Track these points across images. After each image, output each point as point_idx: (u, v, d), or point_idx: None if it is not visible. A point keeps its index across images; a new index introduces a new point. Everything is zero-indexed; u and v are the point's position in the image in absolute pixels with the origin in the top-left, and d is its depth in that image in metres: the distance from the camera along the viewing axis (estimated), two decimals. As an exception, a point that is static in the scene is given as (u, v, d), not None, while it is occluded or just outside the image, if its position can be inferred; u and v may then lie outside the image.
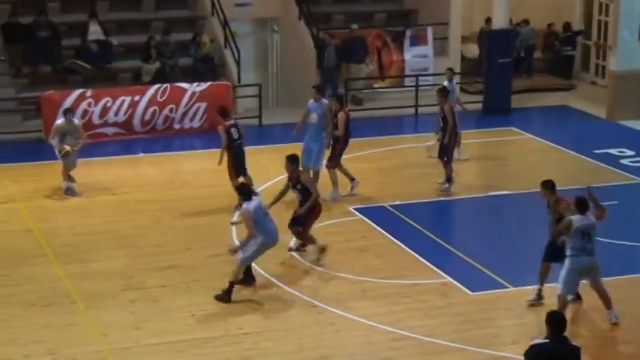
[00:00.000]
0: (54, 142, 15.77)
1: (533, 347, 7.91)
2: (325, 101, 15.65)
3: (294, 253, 13.29)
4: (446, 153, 15.89)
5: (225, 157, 14.69)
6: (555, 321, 7.93)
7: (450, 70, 18.51)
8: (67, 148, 15.63)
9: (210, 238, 13.99)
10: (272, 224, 12.00)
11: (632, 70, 20.77)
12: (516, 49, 23.57)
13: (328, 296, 11.98)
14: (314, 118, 15.43)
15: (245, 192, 12.08)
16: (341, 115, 15.44)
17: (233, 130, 14.67)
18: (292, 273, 12.76)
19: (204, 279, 12.56)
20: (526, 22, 24.11)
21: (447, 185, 15.89)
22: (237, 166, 14.72)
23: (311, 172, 15.14)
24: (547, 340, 7.89)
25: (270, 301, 11.92)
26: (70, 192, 15.77)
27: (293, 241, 13.26)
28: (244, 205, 11.85)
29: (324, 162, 15.61)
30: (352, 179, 15.77)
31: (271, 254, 13.17)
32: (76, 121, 16.33)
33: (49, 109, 18.94)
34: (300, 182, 12.95)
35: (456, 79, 22.75)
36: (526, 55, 24.12)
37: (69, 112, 16.26)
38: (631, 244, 13.70)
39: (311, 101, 15.55)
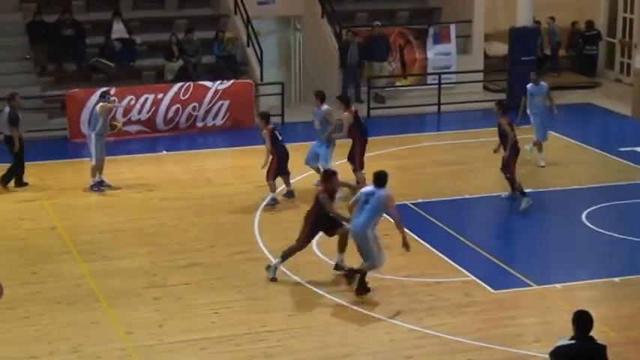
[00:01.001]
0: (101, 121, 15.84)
1: (558, 348, 7.87)
2: (325, 107, 15.64)
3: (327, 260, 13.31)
4: (507, 169, 15.12)
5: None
6: (582, 320, 7.88)
7: (534, 72, 17.83)
8: (119, 124, 16.23)
9: (233, 235, 14.04)
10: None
11: (657, 67, 20.63)
12: (542, 47, 23.53)
13: (351, 294, 11.98)
14: (317, 124, 15.65)
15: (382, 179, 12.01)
16: (345, 116, 15.44)
17: (277, 132, 15.09)
18: (315, 271, 12.77)
19: (227, 276, 12.61)
20: (552, 19, 24.00)
21: (523, 203, 14.96)
22: (280, 166, 15.11)
23: (321, 168, 15.24)
24: (573, 341, 7.85)
25: (293, 299, 11.94)
26: (96, 188, 15.86)
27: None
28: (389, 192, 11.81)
29: (351, 166, 15.64)
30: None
31: (296, 255, 13.21)
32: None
33: (74, 107, 19.09)
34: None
35: (479, 76, 22.80)
36: (552, 53, 24.00)
37: (107, 94, 16.56)
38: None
39: (315, 108, 15.69)
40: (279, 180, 15.23)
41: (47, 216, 14.95)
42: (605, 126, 20.65)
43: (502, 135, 15.15)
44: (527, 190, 15.41)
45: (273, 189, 15.17)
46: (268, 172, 15.10)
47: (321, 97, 15.69)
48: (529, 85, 17.20)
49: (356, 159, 15.64)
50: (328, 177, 12.48)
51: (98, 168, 16.00)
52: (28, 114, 19.51)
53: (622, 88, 22.76)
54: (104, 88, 17.86)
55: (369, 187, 12.08)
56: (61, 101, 19.47)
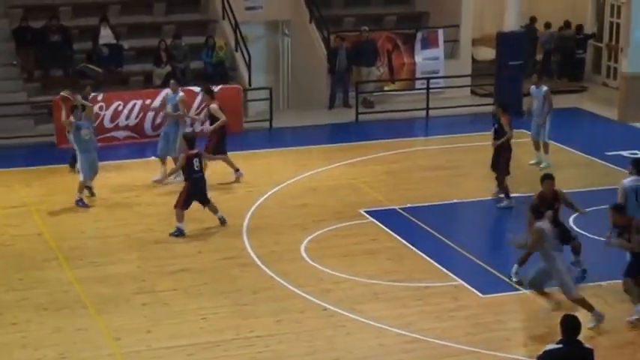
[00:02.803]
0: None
1: (546, 352, 7.88)
2: (181, 93, 16.71)
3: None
4: (497, 168, 15.33)
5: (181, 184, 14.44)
6: (569, 324, 7.89)
7: (537, 74, 17.99)
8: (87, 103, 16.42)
9: (221, 241, 14.01)
10: None
11: (644, 72, 20.71)
12: (535, 52, 23.65)
13: (339, 299, 11.97)
14: (169, 107, 16.59)
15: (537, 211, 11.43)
16: (212, 107, 16.23)
17: (195, 161, 14.13)
18: (303, 276, 12.76)
19: (215, 282, 12.58)
20: (547, 25, 24.06)
21: (505, 202, 15.29)
22: (192, 195, 14.16)
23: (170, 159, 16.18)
24: (560, 345, 7.85)
25: (281, 304, 11.92)
26: (81, 203, 15.57)
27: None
28: (539, 224, 11.19)
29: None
30: (237, 170, 16.32)
31: (282, 258, 13.20)
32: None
33: (60, 113, 18.98)
34: None
35: (467, 81, 22.84)
36: (545, 58, 24.01)
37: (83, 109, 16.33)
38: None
39: (169, 91, 16.84)
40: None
41: (34, 222, 14.88)
42: (591, 130, 20.71)
43: (499, 131, 15.34)
44: (515, 195, 15.44)
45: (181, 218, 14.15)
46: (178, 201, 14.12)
47: (180, 83, 16.60)
48: (531, 87, 17.52)
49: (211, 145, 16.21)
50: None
51: (85, 183, 15.59)
52: (15, 120, 19.50)
53: (608, 93, 22.84)
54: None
55: None
56: (48, 107, 19.39)
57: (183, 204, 14.14)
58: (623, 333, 11.24)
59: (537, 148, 17.44)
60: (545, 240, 11.09)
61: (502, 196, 15.43)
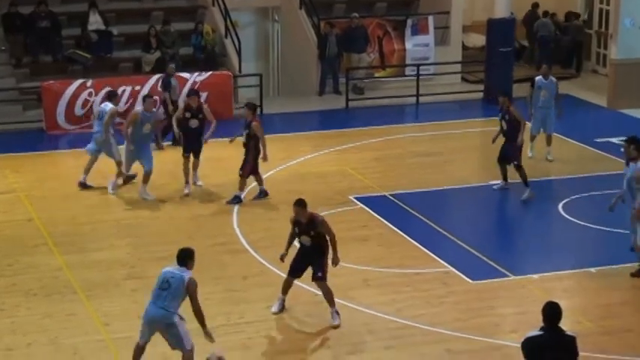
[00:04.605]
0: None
1: (527, 339, 7.90)
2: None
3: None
4: (516, 158, 14.94)
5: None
6: (549, 312, 7.91)
7: (547, 65, 17.43)
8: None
9: (212, 227, 14.01)
10: None
11: (633, 58, 20.74)
12: (536, 39, 23.57)
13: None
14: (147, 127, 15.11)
15: None
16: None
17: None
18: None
19: (205, 268, 12.54)
20: (545, 13, 24.00)
21: (526, 194, 14.91)
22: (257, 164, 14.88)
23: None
24: (541, 332, 7.88)
25: (271, 290, 11.92)
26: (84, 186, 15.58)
27: None
28: None
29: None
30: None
31: (272, 244, 13.20)
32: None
33: (50, 99, 18.96)
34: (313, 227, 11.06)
35: (457, 67, 22.83)
36: (542, 45, 23.92)
37: (115, 95, 16.21)
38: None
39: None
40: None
41: (23, 208, 14.84)
42: (581, 117, 20.74)
43: (511, 124, 14.93)
44: (502, 182, 15.47)
45: (243, 186, 14.83)
46: (245, 166, 14.69)
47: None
48: (538, 78, 17.05)
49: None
50: None
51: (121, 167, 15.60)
52: (3, 106, 19.42)
53: (598, 79, 22.88)
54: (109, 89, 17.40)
55: None
56: (37, 93, 19.32)
57: (249, 173, 14.68)
58: (613, 319, 11.29)
59: (532, 139, 17.00)
60: None
61: (502, 184, 15.05)
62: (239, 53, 20.97)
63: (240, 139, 14.80)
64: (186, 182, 15.30)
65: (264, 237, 13.59)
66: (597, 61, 24.11)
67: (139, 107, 15.22)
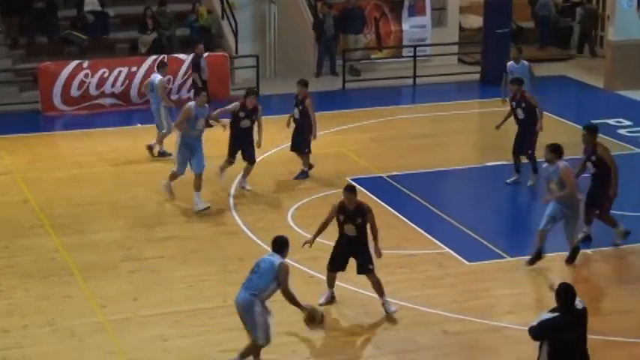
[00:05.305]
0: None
1: (543, 324, 7.93)
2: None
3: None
4: (532, 146, 14.59)
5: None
6: (564, 294, 8.00)
7: (518, 48, 17.18)
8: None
9: (208, 209, 13.99)
10: None
11: (630, 40, 20.70)
12: (540, 19, 23.49)
13: (325, 267, 11.99)
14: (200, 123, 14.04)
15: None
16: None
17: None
18: (290, 243, 12.71)
19: (203, 250, 12.59)
20: None
21: (533, 181, 14.70)
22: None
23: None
24: (556, 314, 7.94)
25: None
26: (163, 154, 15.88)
27: None
28: None
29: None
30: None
31: (270, 226, 13.20)
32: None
33: (46, 81, 18.91)
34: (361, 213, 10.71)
35: (454, 49, 22.78)
36: (543, 25, 23.82)
37: (165, 65, 16.40)
38: (629, 214, 13.72)
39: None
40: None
41: (19, 189, 14.82)
42: (578, 98, 20.74)
43: (528, 112, 14.58)
44: (501, 163, 15.47)
45: (308, 162, 15.13)
46: (303, 143, 14.90)
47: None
48: (509, 63, 16.91)
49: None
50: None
51: (163, 137, 15.89)
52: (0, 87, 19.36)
53: (595, 61, 22.84)
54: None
55: None
56: (33, 74, 19.25)
57: (309, 147, 14.92)
58: (606, 301, 11.34)
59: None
60: None
61: (516, 177, 14.84)
62: (236, 34, 20.90)
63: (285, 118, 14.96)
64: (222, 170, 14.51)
65: (260, 218, 13.60)
66: (595, 42, 24.05)
67: (191, 102, 13.95)
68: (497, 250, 12.58)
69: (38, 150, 16.70)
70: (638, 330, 10.55)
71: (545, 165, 11.99)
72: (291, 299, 9.44)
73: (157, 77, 15.93)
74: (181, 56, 19.60)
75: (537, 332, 7.98)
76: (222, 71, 19.75)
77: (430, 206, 14.13)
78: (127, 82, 19.23)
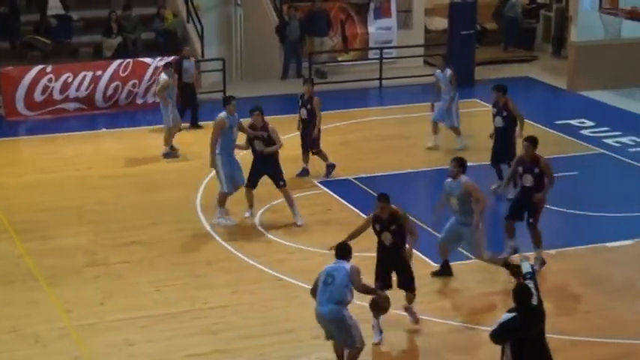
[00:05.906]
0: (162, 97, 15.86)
1: (503, 326, 7.96)
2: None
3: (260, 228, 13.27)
4: (513, 154, 14.12)
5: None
6: (521, 293, 8.02)
7: (443, 56, 17.23)
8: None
9: (175, 212, 13.93)
10: None
11: (593, 40, 20.92)
12: (506, 20, 23.67)
13: (294, 269, 11.99)
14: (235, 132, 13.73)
15: None
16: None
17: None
18: (258, 247, 12.74)
19: (169, 254, 12.52)
20: None
21: (497, 186, 14.54)
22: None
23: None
24: (514, 314, 7.97)
25: (235, 275, 11.91)
26: (170, 156, 16.00)
27: None
28: None
29: None
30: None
31: (237, 229, 13.16)
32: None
33: (9, 86, 18.72)
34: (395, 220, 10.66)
35: (419, 51, 22.86)
36: (509, 27, 23.97)
37: (170, 66, 16.61)
38: (591, 215, 13.85)
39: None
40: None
41: (-17, 196, 14.66)
42: (541, 99, 20.89)
43: (508, 120, 14.41)
44: (468, 164, 15.49)
45: (325, 157, 15.34)
46: (315, 142, 15.04)
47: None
48: (437, 72, 16.86)
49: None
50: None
51: (170, 134, 16.05)
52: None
53: (558, 62, 23.05)
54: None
55: None
56: (-4, 79, 19.04)
57: (319, 146, 15.17)
58: (571, 301, 11.43)
59: (435, 131, 16.73)
60: None
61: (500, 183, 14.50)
62: (201, 38, 20.83)
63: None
64: (250, 206, 13.64)
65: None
66: (561, 44, 24.25)
67: (222, 113, 13.31)
68: (464, 252, 12.61)
69: (1, 155, 16.52)
70: (603, 330, 10.64)
71: (448, 180, 11.87)
72: (368, 292, 9.84)
73: (161, 77, 16.32)
74: (147, 60, 19.49)
75: (499, 335, 8.01)
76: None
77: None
78: (91, 86, 19.10)
